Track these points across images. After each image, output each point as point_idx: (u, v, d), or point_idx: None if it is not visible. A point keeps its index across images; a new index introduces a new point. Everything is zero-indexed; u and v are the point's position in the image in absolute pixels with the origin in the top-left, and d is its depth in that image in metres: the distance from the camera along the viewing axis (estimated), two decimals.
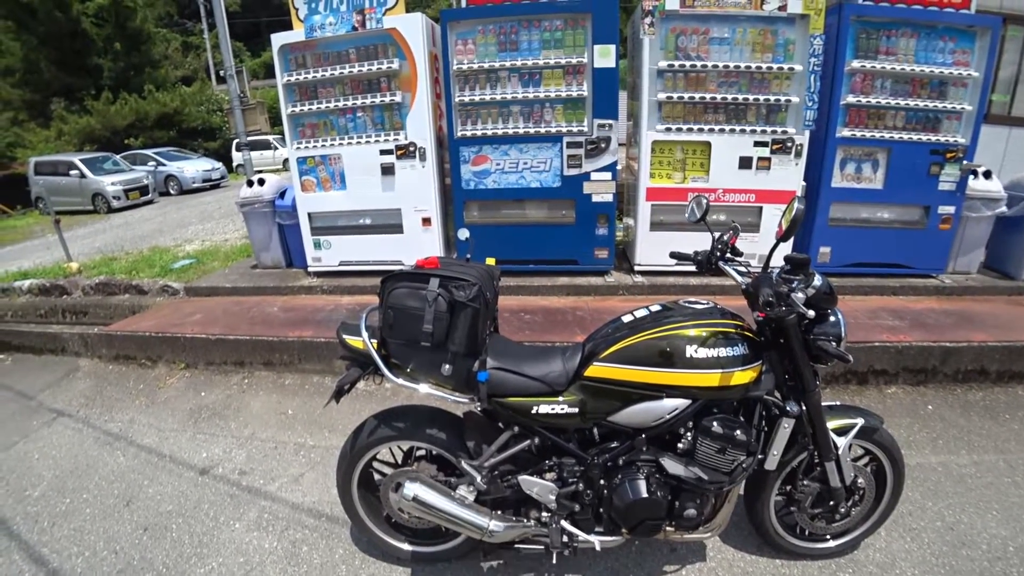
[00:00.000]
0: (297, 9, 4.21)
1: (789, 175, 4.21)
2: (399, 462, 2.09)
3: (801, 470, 2.00)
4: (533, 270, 4.59)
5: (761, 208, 4.29)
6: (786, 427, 1.77)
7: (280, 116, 4.67)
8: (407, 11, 4.13)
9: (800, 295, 1.55)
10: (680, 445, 1.78)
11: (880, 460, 2.02)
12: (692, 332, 1.69)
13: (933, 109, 4.17)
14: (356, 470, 2.05)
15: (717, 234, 1.99)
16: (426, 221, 4.58)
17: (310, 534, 2.45)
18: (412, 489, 1.81)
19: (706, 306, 1.81)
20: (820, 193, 4.32)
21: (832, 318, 1.73)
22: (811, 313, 1.57)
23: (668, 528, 1.86)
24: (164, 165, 14.94)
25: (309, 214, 4.86)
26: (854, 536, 2.13)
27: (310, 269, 5.09)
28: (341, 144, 4.51)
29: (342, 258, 4.94)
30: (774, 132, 4.14)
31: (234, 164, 18.01)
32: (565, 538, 1.85)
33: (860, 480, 2.02)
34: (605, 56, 3.91)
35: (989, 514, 2.40)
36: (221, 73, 6.79)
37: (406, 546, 2.15)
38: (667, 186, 4.28)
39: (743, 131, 4.15)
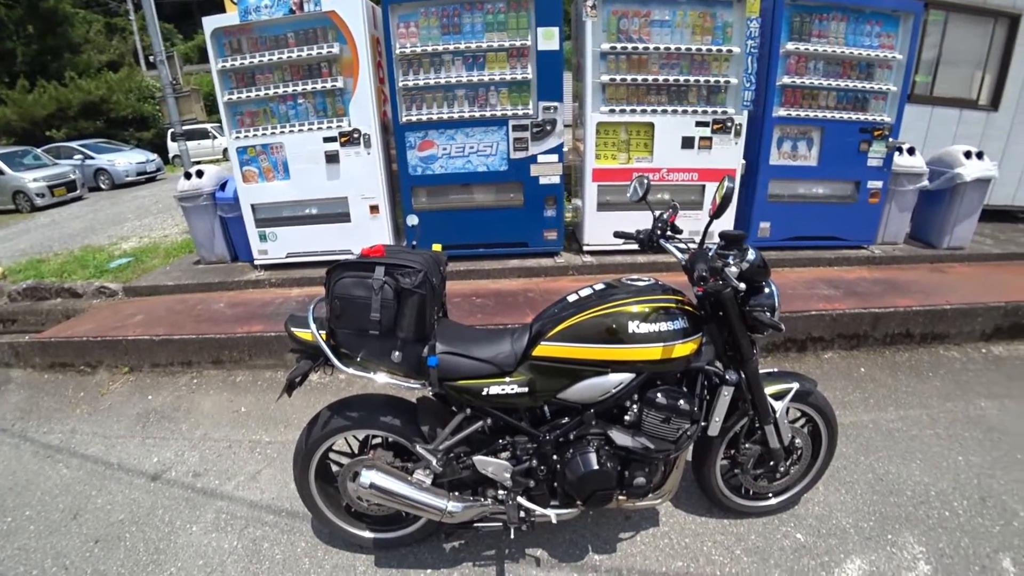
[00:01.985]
0: None
1: (729, 154, 4.36)
2: (355, 451, 2.09)
3: (743, 434, 2.10)
4: (484, 254, 4.61)
5: (704, 186, 4.44)
6: (726, 395, 1.86)
7: (217, 103, 4.46)
8: None
9: (733, 269, 1.63)
10: (627, 417, 1.84)
11: (815, 421, 2.15)
12: (635, 308, 1.75)
13: (861, 89, 4.40)
14: (312, 462, 2.04)
15: (658, 213, 2.06)
16: (374, 209, 4.50)
17: (271, 530, 2.42)
18: (369, 476, 1.82)
19: (648, 283, 1.88)
20: (759, 170, 4.50)
21: (766, 290, 1.80)
22: (742, 286, 1.65)
23: (620, 497, 1.94)
24: (93, 158, 13.97)
25: (252, 206, 4.69)
26: (794, 492, 2.28)
27: (256, 262, 4.93)
28: (283, 132, 4.36)
29: (289, 250, 4.81)
30: (714, 112, 4.27)
31: (170, 155, 17.10)
32: (522, 513, 1.91)
33: (797, 441, 2.15)
34: (549, 39, 3.91)
35: (913, 463, 2.62)
36: (151, 58, 6.39)
37: (367, 534, 2.16)
38: (612, 167, 4.36)
39: (685, 112, 4.26)
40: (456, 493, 1.92)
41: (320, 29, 4.04)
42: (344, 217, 4.58)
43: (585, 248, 4.66)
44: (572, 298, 1.89)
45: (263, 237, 4.79)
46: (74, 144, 14.52)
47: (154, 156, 15.20)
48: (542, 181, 4.32)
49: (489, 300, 4.05)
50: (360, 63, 4.06)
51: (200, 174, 5.08)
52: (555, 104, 4.10)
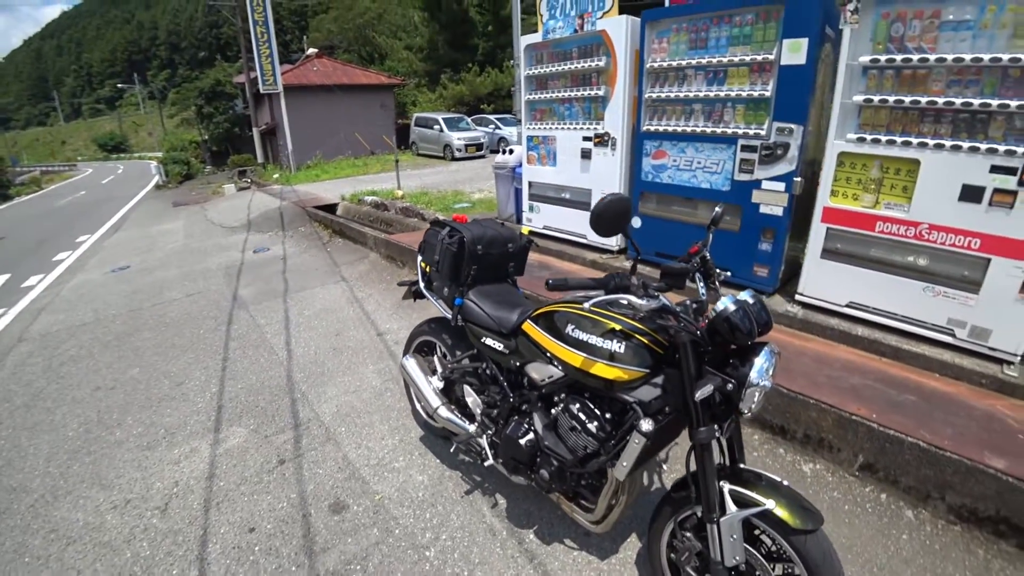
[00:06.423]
0: (542, 15, 5.15)
1: None
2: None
3: (687, 520, 1.76)
4: None
5: (988, 261, 3.14)
6: (636, 443, 1.66)
7: None
8: (627, 12, 4.59)
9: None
10: (552, 410, 1.99)
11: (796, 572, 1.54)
12: (582, 314, 1.79)
13: None
14: (412, 347, 2.89)
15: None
16: None
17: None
18: (408, 360, 2.67)
19: (652, 304, 1.59)
20: None
21: (753, 359, 1.47)
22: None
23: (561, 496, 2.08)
24: (500, 129, 18.46)
25: (529, 182, 5.92)
26: None
27: (523, 227, 6.20)
28: (558, 128, 5.36)
29: (546, 223, 5.87)
30: None
31: None
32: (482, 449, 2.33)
33: (758, 574, 1.63)
34: (795, 52, 3.60)
35: None
36: (509, 63, 8.26)
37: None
38: (851, 208, 3.60)
39: (974, 149, 3.07)
40: (452, 407, 2.51)
41: (594, 45, 4.78)
42: (587, 206, 5.31)
43: (798, 297, 3.97)
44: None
45: (531, 208, 6.01)
46: (491, 116, 19.41)
47: None
48: (763, 209, 4.05)
49: None
50: (618, 75, 4.63)
51: (511, 152, 6.63)
52: (791, 126, 3.78)
